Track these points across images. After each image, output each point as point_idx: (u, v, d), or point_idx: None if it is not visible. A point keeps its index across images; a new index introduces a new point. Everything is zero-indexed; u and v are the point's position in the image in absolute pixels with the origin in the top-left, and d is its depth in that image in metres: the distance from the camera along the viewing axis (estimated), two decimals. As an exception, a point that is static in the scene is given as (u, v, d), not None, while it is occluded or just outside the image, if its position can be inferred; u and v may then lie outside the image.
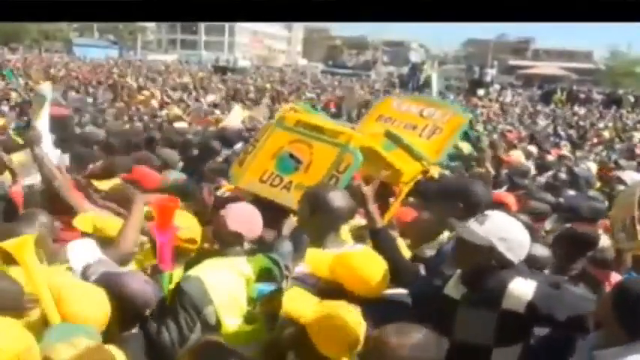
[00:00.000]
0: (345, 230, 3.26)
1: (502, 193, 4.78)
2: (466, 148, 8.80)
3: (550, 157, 9.92)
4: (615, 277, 3.33)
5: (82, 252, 2.66)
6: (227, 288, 2.72)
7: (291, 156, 3.60)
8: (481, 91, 35.02)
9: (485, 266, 2.45)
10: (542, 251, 3.62)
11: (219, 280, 2.71)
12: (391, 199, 3.99)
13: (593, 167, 8.65)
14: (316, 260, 2.66)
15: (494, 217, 2.51)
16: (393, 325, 2.10)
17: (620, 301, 2.19)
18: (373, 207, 3.13)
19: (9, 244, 2.36)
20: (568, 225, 4.48)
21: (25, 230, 2.80)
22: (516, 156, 8.67)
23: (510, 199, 4.79)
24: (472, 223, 2.50)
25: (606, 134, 17.31)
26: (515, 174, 6.76)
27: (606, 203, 5.45)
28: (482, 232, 2.44)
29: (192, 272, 2.74)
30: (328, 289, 2.51)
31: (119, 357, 2.08)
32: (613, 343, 2.19)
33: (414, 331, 2.06)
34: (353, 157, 3.43)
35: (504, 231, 2.45)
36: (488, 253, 2.43)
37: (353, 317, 2.18)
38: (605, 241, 3.92)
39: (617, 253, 3.41)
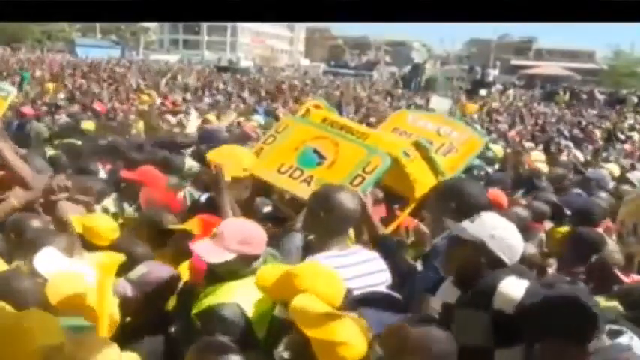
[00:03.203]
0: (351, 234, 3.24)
1: (495, 192, 4.75)
2: (498, 151, 8.87)
3: (563, 158, 9.92)
4: (635, 277, 3.32)
5: (51, 261, 2.59)
6: (258, 308, 2.64)
7: (315, 151, 3.60)
8: (483, 91, 35.00)
9: (477, 266, 2.44)
10: (530, 249, 3.65)
11: (252, 300, 2.63)
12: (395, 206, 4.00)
13: (615, 169, 8.42)
14: (267, 273, 2.49)
15: (486, 217, 2.53)
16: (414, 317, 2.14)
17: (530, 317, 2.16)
18: (372, 215, 3.22)
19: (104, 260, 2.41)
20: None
21: None
22: (536, 158, 8.57)
23: (503, 198, 4.76)
24: (464, 222, 2.52)
25: (598, 133, 17.28)
26: (540, 178, 6.69)
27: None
28: (473, 229, 2.46)
29: (225, 297, 2.64)
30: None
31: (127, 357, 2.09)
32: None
33: (435, 325, 2.11)
34: (382, 160, 3.42)
35: (495, 229, 2.46)
36: (478, 249, 2.43)
37: (358, 334, 2.14)
38: (610, 242, 3.91)
39: (627, 257, 3.38)
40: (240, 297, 2.63)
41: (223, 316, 2.56)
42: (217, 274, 2.72)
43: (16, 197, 3.00)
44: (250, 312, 2.61)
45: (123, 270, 2.77)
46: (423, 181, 3.65)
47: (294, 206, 3.74)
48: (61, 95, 15.11)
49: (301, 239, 3.22)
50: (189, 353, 2.30)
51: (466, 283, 2.48)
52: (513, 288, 2.35)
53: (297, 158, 3.61)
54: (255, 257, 2.75)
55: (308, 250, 3.02)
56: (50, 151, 6.03)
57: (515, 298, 2.32)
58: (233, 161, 3.64)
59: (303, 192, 3.43)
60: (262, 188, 3.84)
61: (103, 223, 3.48)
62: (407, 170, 3.61)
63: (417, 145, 3.74)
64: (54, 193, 3.03)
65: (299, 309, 2.21)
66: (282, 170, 3.59)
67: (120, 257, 2.48)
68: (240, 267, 2.70)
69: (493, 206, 4.07)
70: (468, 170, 6.63)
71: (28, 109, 9.97)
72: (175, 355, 2.62)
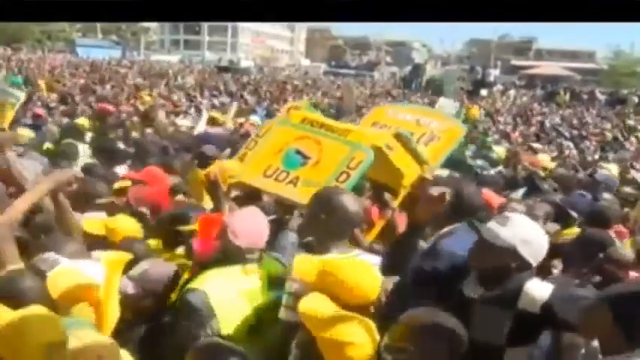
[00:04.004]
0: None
1: (487, 192, 4.73)
2: (501, 152, 8.92)
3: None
4: (634, 276, 3.34)
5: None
6: (232, 300, 2.68)
7: (298, 152, 3.59)
8: (484, 92, 35.04)
9: (504, 267, 2.48)
10: None
11: (224, 292, 2.67)
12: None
13: (614, 169, 8.43)
14: (304, 266, 2.53)
15: (517, 220, 2.54)
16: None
17: (621, 309, 2.14)
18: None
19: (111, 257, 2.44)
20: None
21: None
22: (542, 160, 8.53)
23: (494, 198, 4.73)
24: (494, 225, 2.52)
25: (609, 134, 17.27)
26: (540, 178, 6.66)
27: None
28: (505, 234, 2.47)
29: (196, 283, 2.69)
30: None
31: (123, 354, 2.09)
32: (615, 349, 2.17)
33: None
34: (365, 155, 3.41)
35: (527, 234, 2.49)
36: (509, 255, 2.46)
37: (366, 335, 2.15)
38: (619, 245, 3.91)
39: (638, 255, 3.42)
40: (210, 285, 2.66)
41: (190, 302, 2.61)
42: (211, 262, 2.78)
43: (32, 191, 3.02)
44: (221, 300, 2.63)
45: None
46: (408, 172, 3.67)
47: (283, 207, 3.74)
48: (54, 96, 15.03)
49: (295, 237, 3.22)
50: (189, 353, 2.30)
51: (490, 283, 2.51)
52: (539, 289, 2.42)
53: (281, 160, 3.60)
54: (247, 251, 2.81)
55: (306, 251, 3.01)
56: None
57: (541, 299, 2.38)
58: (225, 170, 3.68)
59: (290, 194, 3.44)
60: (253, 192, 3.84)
61: (126, 223, 3.50)
62: (393, 162, 3.61)
63: (398, 137, 3.75)
64: (71, 184, 3.06)
65: (308, 310, 2.22)
66: (267, 174, 3.59)
67: (127, 255, 2.50)
68: (235, 257, 2.78)
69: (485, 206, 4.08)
70: (468, 169, 6.63)
71: (41, 111, 9.94)
72: (159, 343, 2.69)
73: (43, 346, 1.84)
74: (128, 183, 4.31)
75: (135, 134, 8.27)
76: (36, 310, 1.98)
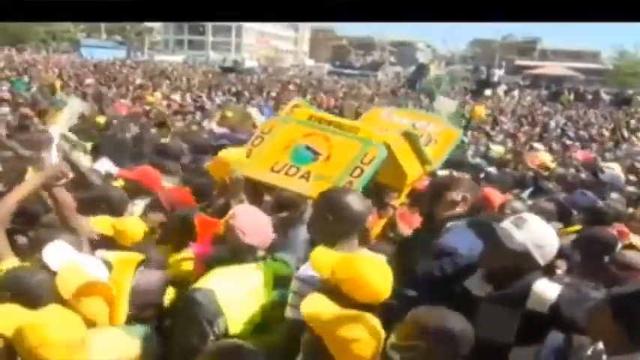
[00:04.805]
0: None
1: (490, 190, 4.72)
2: (497, 152, 8.96)
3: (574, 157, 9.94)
4: None
5: (59, 253, 2.61)
6: (239, 299, 2.67)
7: (308, 148, 3.57)
8: (488, 92, 35.02)
9: (518, 271, 2.50)
10: None
11: (231, 291, 2.66)
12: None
13: (617, 168, 8.41)
14: (321, 259, 2.51)
15: (532, 222, 2.55)
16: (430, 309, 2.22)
17: (621, 310, 2.15)
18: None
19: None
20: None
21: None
22: (543, 158, 8.53)
23: (496, 196, 4.72)
24: (509, 226, 2.53)
25: (607, 134, 17.24)
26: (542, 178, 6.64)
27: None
28: (519, 237, 2.49)
29: (203, 283, 2.68)
30: (327, 292, 2.38)
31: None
32: (619, 350, 2.16)
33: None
34: (378, 151, 3.41)
35: (541, 238, 2.51)
36: (522, 257, 2.48)
37: (372, 331, 2.15)
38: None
39: None
40: (217, 284, 2.65)
41: (197, 300, 2.60)
42: (216, 261, 2.78)
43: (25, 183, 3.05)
44: (229, 300, 2.63)
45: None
46: (410, 171, 3.72)
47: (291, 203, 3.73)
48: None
49: (306, 233, 3.23)
50: (206, 355, 2.30)
51: (499, 282, 2.53)
52: (548, 289, 2.44)
53: (290, 156, 3.58)
54: (257, 248, 2.82)
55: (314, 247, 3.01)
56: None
57: (550, 299, 2.40)
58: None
59: (302, 188, 3.42)
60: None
61: (134, 225, 3.48)
62: (399, 161, 3.62)
63: (407, 135, 3.76)
64: (58, 179, 3.07)
65: (311, 309, 2.22)
66: (275, 169, 3.56)
67: (138, 255, 2.50)
68: (240, 254, 2.78)
69: (484, 204, 4.08)
70: (471, 169, 6.64)
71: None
72: (161, 344, 2.68)
73: (64, 341, 1.86)
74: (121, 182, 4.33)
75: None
76: (55, 309, 2.00)
